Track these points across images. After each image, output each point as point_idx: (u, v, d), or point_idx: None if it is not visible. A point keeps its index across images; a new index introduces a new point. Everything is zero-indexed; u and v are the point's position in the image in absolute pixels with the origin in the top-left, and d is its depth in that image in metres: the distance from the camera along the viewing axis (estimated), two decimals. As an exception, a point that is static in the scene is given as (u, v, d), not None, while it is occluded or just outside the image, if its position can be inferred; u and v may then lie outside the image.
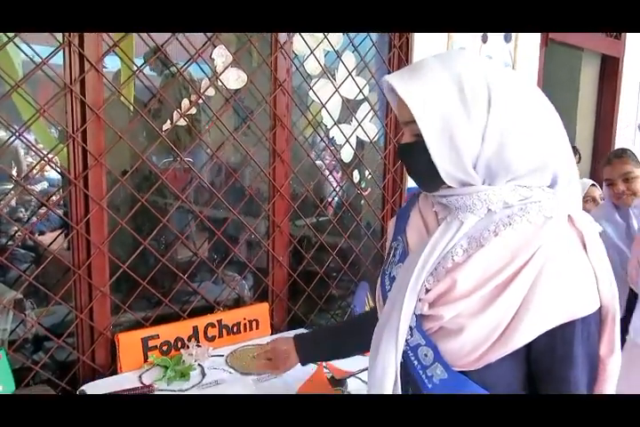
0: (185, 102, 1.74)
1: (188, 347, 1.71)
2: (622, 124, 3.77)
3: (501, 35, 2.68)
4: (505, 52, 2.75)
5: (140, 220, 1.99)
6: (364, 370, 1.55)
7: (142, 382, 1.55)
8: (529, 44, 2.83)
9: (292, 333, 1.95)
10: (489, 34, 2.58)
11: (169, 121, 1.72)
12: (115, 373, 1.63)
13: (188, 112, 1.74)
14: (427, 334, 0.87)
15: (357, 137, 2.22)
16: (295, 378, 1.58)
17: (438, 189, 0.88)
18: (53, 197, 1.88)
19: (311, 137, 2.14)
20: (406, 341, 0.88)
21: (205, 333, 1.80)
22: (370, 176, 2.31)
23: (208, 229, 2.02)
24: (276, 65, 1.90)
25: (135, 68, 1.65)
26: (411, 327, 0.88)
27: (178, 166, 1.85)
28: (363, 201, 2.34)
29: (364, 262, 2.31)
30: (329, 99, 2.05)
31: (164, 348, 1.70)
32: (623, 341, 1.78)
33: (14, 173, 3.02)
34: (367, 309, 1.95)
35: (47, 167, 1.52)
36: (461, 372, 0.85)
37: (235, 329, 1.86)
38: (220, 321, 1.83)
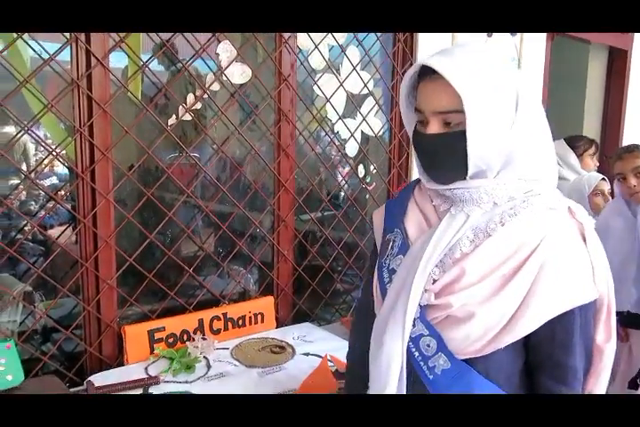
0: (190, 97, 1.76)
1: (193, 339, 1.73)
2: (630, 118, 3.75)
3: (507, 29, 2.66)
4: (511, 46, 2.74)
5: (146, 214, 2.02)
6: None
7: (148, 374, 1.58)
8: (535, 37, 2.81)
9: (297, 326, 1.98)
10: (495, 28, 2.57)
11: (174, 116, 1.73)
12: (121, 364, 1.65)
13: (194, 107, 1.76)
14: (431, 323, 0.88)
15: (362, 131, 2.22)
16: (299, 371, 1.60)
17: (454, 181, 0.88)
18: (61, 191, 1.91)
19: (316, 132, 2.15)
20: None
21: (211, 326, 1.81)
22: (375, 171, 2.31)
23: (213, 223, 2.04)
24: (280, 60, 1.91)
25: (142, 63, 1.66)
26: (413, 318, 0.88)
27: (184, 161, 1.86)
28: (368, 195, 2.35)
29: (368, 257, 2.31)
30: (333, 93, 2.06)
31: (170, 340, 1.72)
32: None
33: (23, 167, 3.05)
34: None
35: (56, 163, 1.54)
36: (466, 361, 0.86)
37: (240, 322, 1.88)
38: (225, 314, 1.85)
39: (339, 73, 2.08)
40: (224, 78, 1.81)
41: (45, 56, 1.46)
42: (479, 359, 0.86)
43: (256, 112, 1.88)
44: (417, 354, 0.89)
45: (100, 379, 1.51)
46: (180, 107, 1.74)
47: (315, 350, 1.75)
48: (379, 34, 2.15)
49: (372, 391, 0.95)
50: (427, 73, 0.84)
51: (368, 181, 2.32)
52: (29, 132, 1.46)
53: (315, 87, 2.04)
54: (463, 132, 0.82)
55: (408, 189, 1.01)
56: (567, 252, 0.84)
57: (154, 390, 1.48)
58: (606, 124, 3.81)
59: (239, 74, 1.84)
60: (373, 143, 2.30)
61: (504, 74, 0.83)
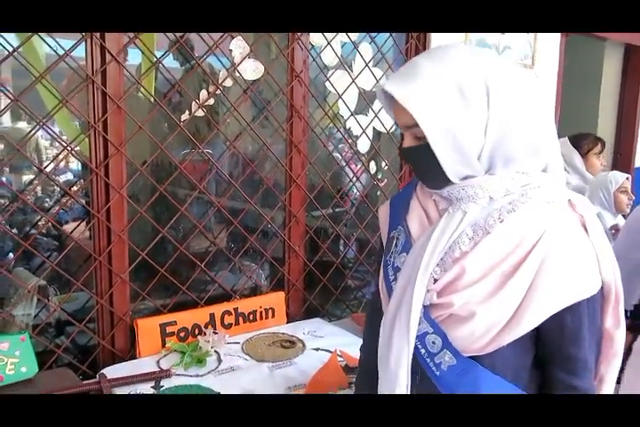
0: (203, 93, 1.77)
1: (204, 334, 1.75)
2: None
3: (521, 25, 2.65)
4: (524, 44, 2.72)
5: (158, 209, 2.03)
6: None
7: (160, 367, 1.59)
8: (549, 35, 2.79)
9: (307, 321, 1.99)
10: (508, 24, 2.55)
11: (187, 112, 1.75)
12: (134, 357, 1.67)
13: (206, 103, 1.77)
14: (435, 322, 0.88)
15: (374, 128, 2.22)
16: (310, 366, 1.60)
17: (444, 186, 0.88)
18: (75, 187, 1.93)
19: (328, 128, 2.15)
20: None
21: (222, 320, 1.83)
22: (386, 167, 2.31)
23: (225, 219, 2.05)
24: (293, 56, 1.91)
25: (155, 60, 1.67)
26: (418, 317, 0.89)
27: (196, 157, 1.88)
28: (379, 192, 2.35)
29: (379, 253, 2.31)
30: (345, 90, 2.06)
31: (182, 334, 1.74)
32: None
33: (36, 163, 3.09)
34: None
35: (70, 159, 1.56)
36: (471, 357, 0.86)
37: (251, 317, 1.89)
38: (236, 309, 1.86)
39: (351, 69, 2.08)
40: (237, 74, 1.82)
41: (61, 52, 1.48)
42: (485, 356, 0.86)
43: (268, 108, 1.89)
44: (423, 351, 0.90)
45: (113, 372, 1.53)
46: (193, 103, 1.75)
47: (325, 346, 1.76)
48: (391, 30, 2.15)
49: (382, 389, 0.95)
50: None
51: (379, 177, 2.32)
52: (44, 127, 1.48)
53: (327, 84, 2.05)
54: (429, 145, 0.82)
55: (411, 186, 1.01)
56: (568, 245, 0.84)
57: (165, 384, 1.50)
58: (621, 122, 3.77)
59: (252, 70, 1.84)
60: (385, 140, 2.29)
61: (462, 72, 0.81)
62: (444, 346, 0.87)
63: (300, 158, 2.00)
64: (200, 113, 1.77)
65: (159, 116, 1.83)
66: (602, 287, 0.86)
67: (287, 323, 1.97)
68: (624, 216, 2.40)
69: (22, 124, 3.99)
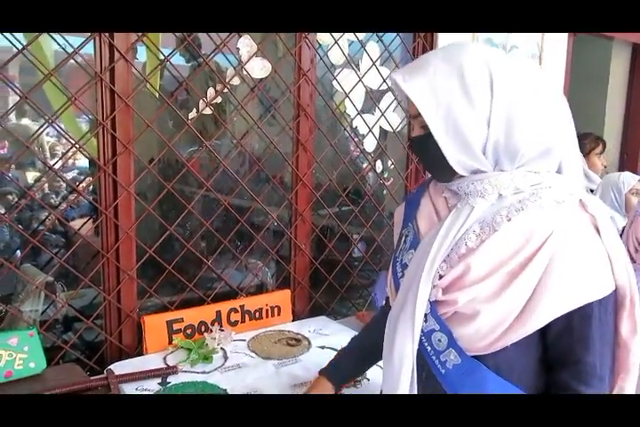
0: (211, 91, 1.78)
1: (211, 331, 1.75)
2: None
3: (529, 24, 2.64)
4: (532, 43, 2.71)
5: (165, 207, 2.04)
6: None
7: (167, 364, 1.60)
8: (556, 34, 2.78)
9: (313, 319, 1.99)
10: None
11: (195, 110, 1.75)
12: (140, 354, 1.68)
13: (214, 101, 1.77)
14: (442, 319, 0.88)
15: (380, 127, 2.22)
16: (315, 363, 1.60)
17: (452, 178, 0.89)
18: (83, 184, 1.94)
19: (334, 127, 2.15)
20: None
21: (228, 317, 1.84)
22: (392, 166, 2.32)
23: (232, 217, 2.06)
24: (300, 55, 1.92)
25: (162, 57, 1.68)
26: (425, 314, 0.89)
27: (203, 155, 1.88)
28: (385, 191, 2.35)
29: (385, 252, 2.32)
30: (352, 88, 2.06)
31: (188, 331, 1.75)
32: None
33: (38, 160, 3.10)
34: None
35: (77, 156, 1.57)
36: (476, 357, 0.86)
37: (257, 315, 1.90)
38: (242, 306, 1.87)
39: (358, 68, 2.09)
40: (244, 73, 1.82)
41: (69, 50, 1.48)
42: (489, 355, 0.86)
43: (275, 107, 1.89)
44: (429, 348, 0.90)
45: (120, 368, 1.54)
46: (201, 101, 1.76)
47: (330, 344, 1.76)
48: (399, 29, 2.15)
49: (385, 386, 0.96)
50: None
51: (386, 176, 2.32)
52: (53, 125, 1.49)
53: (334, 82, 2.05)
54: (432, 134, 0.84)
55: (424, 184, 1.02)
56: (577, 246, 0.82)
57: (172, 380, 1.51)
58: (629, 122, 3.76)
59: (259, 68, 1.85)
60: (391, 139, 2.29)
61: (467, 64, 0.83)
62: (450, 344, 0.87)
63: (306, 157, 2.01)
64: (207, 111, 1.77)
65: (165, 114, 1.83)
66: (615, 291, 0.84)
67: (293, 321, 1.98)
68: None
69: (26, 121, 4.00)
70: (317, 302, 2.13)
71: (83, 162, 3.74)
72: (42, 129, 1.51)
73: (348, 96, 2.06)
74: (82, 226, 1.91)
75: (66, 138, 1.53)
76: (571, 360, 0.85)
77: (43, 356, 1.45)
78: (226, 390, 1.47)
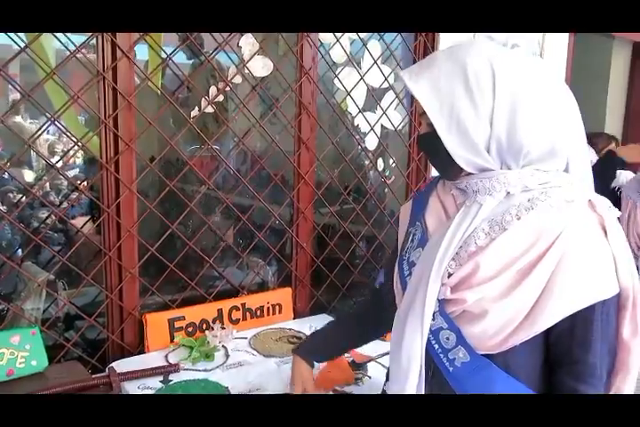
0: (212, 90, 1.78)
1: (212, 329, 1.76)
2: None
3: (530, 23, 2.64)
4: (533, 41, 2.71)
5: (167, 206, 2.04)
6: (383, 355, 1.58)
7: (168, 362, 1.60)
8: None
9: (314, 318, 1.99)
10: (517, 22, 2.55)
11: (197, 108, 1.75)
12: (142, 352, 1.68)
13: (216, 100, 1.77)
14: (450, 317, 0.88)
15: (382, 125, 2.22)
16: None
17: (459, 176, 0.89)
18: (84, 183, 1.94)
19: (336, 125, 2.16)
20: None
21: (230, 315, 1.84)
22: (394, 164, 2.32)
23: (233, 215, 2.06)
24: (301, 53, 1.92)
25: (164, 55, 1.68)
26: (433, 312, 0.88)
27: (205, 154, 1.88)
28: (387, 189, 2.35)
29: (387, 250, 2.32)
30: (354, 87, 2.06)
31: (190, 329, 1.75)
32: None
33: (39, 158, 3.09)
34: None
35: (78, 155, 1.57)
36: (485, 356, 0.86)
37: (258, 313, 1.90)
38: (244, 304, 1.87)
39: (360, 67, 2.09)
40: (246, 71, 1.82)
41: (71, 48, 1.48)
42: (498, 355, 0.86)
43: (277, 105, 1.89)
44: (437, 346, 0.89)
45: (122, 366, 1.54)
46: (202, 99, 1.76)
47: (332, 342, 1.76)
48: (400, 27, 2.15)
49: (392, 384, 0.96)
50: None
51: (387, 174, 2.33)
52: (55, 123, 1.49)
53: (335, 80, 2.05)
54: (437, 131, 0.85)
55: (432, 183, 1.02)
56: (586, 246, 0.82)
57: (174, 378, 1.51)
58: (629, 121, 3.76)
59: (261, 67, 1.85)
60: (393, 137, 2.29)
61: (470, 63, 0.83)
62: (459, 342, 0.87)
63: (308, 155, 2.01)
64: (209, 109, 1.77)
65: (167, 112, 1.83)
66: (619, 292, 0.84)
67: (294, 319, 1.98)
68: None
69: (20, 120, 3.99)
70: (319, 300, 2.13)
71: (82, 160, 3.74)
72: (44, 127, 1.51)
73: (349, 94, 2.06)
74: (84, 224, 1.91)
75: (68, 136, 1.53)
76: (572, 360, 0.85)
77: (44, 354, 1.45)
78: (227, 387, 1.47)
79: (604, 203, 0.87)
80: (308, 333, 1.84)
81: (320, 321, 1.95)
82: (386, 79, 2.15)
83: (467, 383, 0.88)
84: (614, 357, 0.87)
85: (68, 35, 1.50)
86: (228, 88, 1.79)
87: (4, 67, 1.38)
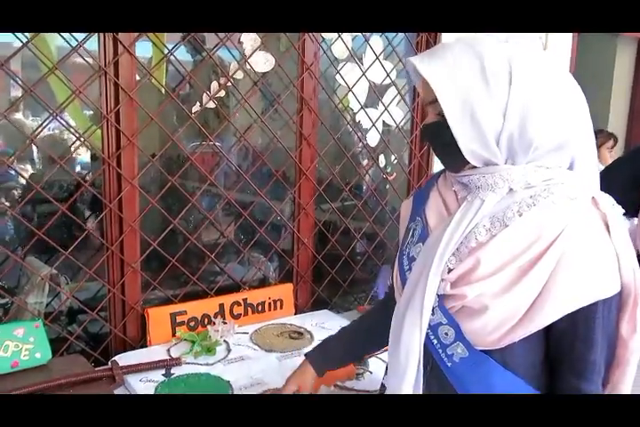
0: (214, 85, 1.78)
1: (214, 323, 1.76)
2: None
3: (532, 19, 2.64)
4: (536, 39, 2.71)
5: (169, 201, 2.05)
6: (385, 350, 1.58)
7: (170, 355, 1.61)
8: (561, 29, 2.77)
9: (315, 313, 2.00)
10: (520, 18, 2.55)
11: (198, 103, 1.76)
12: (144, 346, 1.69)
13: (217, 95, 1.78)
14: (449, 313, 0.88)
15: (384, 121, 2.23)
16: (317, 356, 1.62)
17: (462, 168, 0.88)
18: (87, 177, 1.95)
19: (337, 121, 2.16)
20: None
21: (231, 310, 1.85)
22: (396, 161, 2.32)
23: (234, 211, 2.07)
24: (303, 49, 1.92)
25: (166, 51, 1.68)
26: (432, 307, 0.89)
27: (206, 150, 1.89)
28: (388, 185, 2.36)
29: (388, 247, 2.33)
30: (355, 83, 2.06)
31: (192, 324, 1.76)
32: None
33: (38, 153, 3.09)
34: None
35: (79, 152, 1.58)
36: (484, 351, 0.86)
37: (259, 308, 1.91)
38: (245, 300, 1.88)
39: (361, 62, 2.09)
40: (247, 67, 1.83)
41: (73, 43, 1.49)
42: (496, 351, 0.86)
43: (278, 101, 1.90)
44: (435, 342, 0.90)
45: (124, 359, 1.55)
46: (204, 95, 1.76)
47: (333, 337, 1.77)
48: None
49: (390, 379, 0.96)
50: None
51: (389, 171, 2.33)
52: (57, 118, 1.49)
53: (337, 76, 2.05)
54: (447, 121, 0.83)
55: (433, 179, 1.01)
56: (588, 244, 0.82)
57: (176, 371, 1.52)
58: (633, 118, 3.75)
59: (263, 62, 1.85)
60: (395, 133, 2.30)
61: (487, 53, 0.82)
62: (457, 338, 0.87)
63: (309, 151, 2.01)
64: (210, 105, 1.78)
65: (168, 109, 1.84)
66: (620, 290, 0.84)
67: (295, 314, 1.99)
68: None
69: (19, 116, 3.98)
70: (320, 295, 2.13)
71: (83, 156, 3.75)
72: (47, 122, 1.52)
73: (351, 90, 2.06)
74: (86, 219, 1.92)
75: (70, 131, 1.54)
76: (573, 358, 0.85)
77: (48, 347, 1.47)
78: (229, 381, 1.48)
79: (607, 200, 0.86)
80: (309, 328, 1.85)
81: (321, 317, 1.96)
82: (388, 75, 2.15)
83: (465, 379, 0.88)
84: (613, 352, 0.87)
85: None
86: (229, 84, 1.79)
87: (6, 62, 1.38)
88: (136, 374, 1.48)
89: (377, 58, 2.10)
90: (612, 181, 1.40)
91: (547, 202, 0.84)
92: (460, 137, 0.83)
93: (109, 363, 1.50)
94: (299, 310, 2.03)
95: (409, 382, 0.91)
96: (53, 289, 1.78)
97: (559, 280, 0.81)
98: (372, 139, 2.21)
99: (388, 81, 2.18)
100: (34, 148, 2.63)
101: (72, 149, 1.61)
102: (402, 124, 2.26)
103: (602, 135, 2.69)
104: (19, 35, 1.41)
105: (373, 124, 2.17)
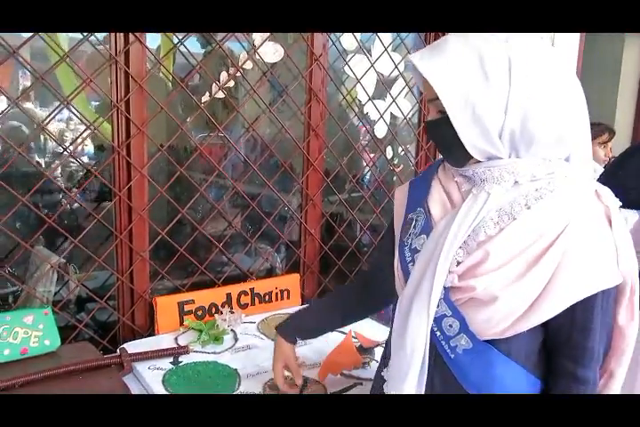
0: (223, 75, 1.78)
1: (221, 313, 1.77)
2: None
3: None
4: (543, 35, 2.70)
5: (177, 191, 2.06)
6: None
7: (178, 344, 1.62)
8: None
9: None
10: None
11: (207, 93, 1.76)
12: (152, 334, 1.70)
13: (226, 85, 1.78)
14: (455, 305, 0.88)
15: (391, 113, 2.23)
16: (324, 346, 1.62)
17: (466, 163, 0.89)
18: (95, 167, 1.95)
19: (345, 113, 2.16)
20: None
21: (238, 300, 1.86)
22: (403, 153, 2.32)
23: (240, 203, 2.07)
24: (312, 40, 1.92)
25: (176, 40, 1.68)
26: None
27: (214, 141, 1.89)
28: (395, 177, 2.36)
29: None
30: (364, 74, 2.06)
31: (199, 313, 1.77)
32: None
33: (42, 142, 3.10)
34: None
35: (86, 143, 1.58)
36: (488, 342, 0.87)
37: (266, 298, 1.92)
38: (252, 289, 1.89)
39: (370, 54, 2.09)
40: (256, 57, 1.83)
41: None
42: (501, 341, 0.87)
43: (287, 91, 1.90)
44: (439, 333, 0.91)
45: (132, 347, 1.56)
46: (213, 85, 1.76)
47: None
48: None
49: (394, 370, 0.97)
50: None
51: (396, 162, 2.33)
52: (68, 106, 1.50)
53: (345, 68, 2.05)
54: (449, 117, 0.83)
55: (432, 168, 1.01)
56: (591, 237, 0.84)
57: (184, 360, 1.53)
58: (639, 114, 3.74)
59: (272, 53, 1.85)
60: (402, 125, 2.30)
61: (486, 48, 0.82)
62: (462, 330, 0.88)
63: (317, 142, 2.01)
64: (219, 95, 1.78)
65: (175, 100, 1.84)
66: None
67: (302, 304, 1.99)
68: None
69: (30, 105, 3.99)
70: (326, 286, 2.14)
71: (90, 146, 3.75)
72: (57, 111, 1.52)
73: (359, 82, 2.06)
74: (95, 208, 1.93)
75: (81, 120, 1.54)
76: (572, 346, 0.87)
77: (57, 334, 1.47)
78: (236, 369, 1.49)
79: (609, 193, 0.88)
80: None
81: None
82: (396, 67, 2.15)
83: (468, 370, 0.90)
84: (610, 340, 0.90)
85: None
86: (238, 74, 1.79)
87: (17, 50, 1.39)
88: (144, 362, 1.49)
89: (385, 50, 2.10)
90: (627, 168, 1.41)
91: (552, 195, 0.85)
92: (463, 133, 0.84)
93: (118, 351, 1.51)
94: (305, 300, 2.03)
95: (414, 374, 0.91)
96: (61, 278, 1.79)
97: (565, 272, 0.82)
98: (380, 130, 2.21)
99: (396, 73, 2.18)
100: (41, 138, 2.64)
101: (82, 137, 1.60)
102: (409, 116, 2.26)
103: (596, 129, 2.56)
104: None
105: (381, 116, 2.17)
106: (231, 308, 1.82)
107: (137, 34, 1.56)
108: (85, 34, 1.49)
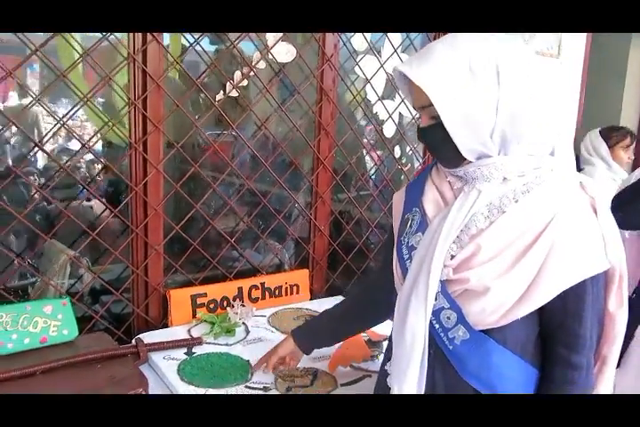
0: (237, 74, 1.82)
1: (232, 306, 1.82)
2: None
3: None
4: (550, 36, 2.72)
5: (190, 187, 2.10)
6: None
7: (191, 335, 1.67)
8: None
9: (331, 299, 2.04)
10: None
11: (222, 92, 1.80)
12: (166, 326, 1.74)
13: (240, 84, 1.82)
14: (452, 297, 0.93)
15: (400, 113, 2.26)
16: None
17: (460, 164, 0.93)
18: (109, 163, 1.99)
19: (355, 112, 2.20)
20: None
21: (249, 294, 1.90)
22: (411, 152, 2.36)
23: (249, 201, 2.11)
24: (324, 40, 1.95)
25: (186, 40, 1.72)
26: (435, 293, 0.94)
27: (227, 139, 1.93)
28: (403, 176, 2.40)
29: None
30: (374, 75, 2.10)
31: (211, 306, 1.81)
32: None
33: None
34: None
35: (93, 140, 1.62)
36: (484, 331, 0.92)
37: (277, 292, 1.96)
38: (263, 284, 1.93)
39: (380, 55, 2.12)
40: (269, 57, 1.87)
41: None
42: (496, 329, 0.91)
43: (299, 90, 1.94)
44: (437, 326, 0.95)
45: (147, 338, 1.60)
46: (227, 83, 1.80)
47: (348, 322, 1.81)
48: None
49: (395, 364, 1.00)
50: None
51: (404, 161, 2.37)
52: (88, 103, 1.54)
53: (356, 68, 2.09)
54: (442, 123, 0.86)
55: (426, 171, 1.06)
56: (578, 226, 0.88)
57: (197, 351, 1.57)
58: (645, 116, 3.75)
59: (284, 53, 1.89)
60: (411, 125, 2.33)
61: (473, 52, 0.85)
62: (459, 321, 0.92)
63: (327, 141, 2.05)
64: (232, 94, 1.82)
65: (191, 98, 1.88)
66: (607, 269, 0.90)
67: (311, 300, 2.04)
68: None
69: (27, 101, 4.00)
70: (334, 282, 2.18)
71: (100, 144, 3.78)
72: (77, 107, 1.57)
73: (369, 82, 2.10)
74: (110, 202, 1.96)
75: (99, 116, 1.59)
76: (565, 333, 0.92)
77: (75, 324, 1.52)
78: (248, 360, 1.53)
79: (593, 185, 0.93)
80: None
81: (336, 302, 2.00)
82: (404, 67, 2.18)
83: (466, 359, 0.94)
84: (602, 327, 0.94)
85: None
86: (252, 73, 1.83)
87: (40, 48, 1.43)
88: (160, 352, 1.53)
89: (395, 51, 2.13)
90: None
91: (539, 188, 0.90)
92: (458, 137, 0.87)
93: (134, 341, 1.55)
94: (314, 295, 2.07)
95: (414, 367, 0.95)
96: (74, 271, 1.83)
97: (553, 261, 0.87)
98: (388, 130, 2.24)
99: (405, 73, 2.20)
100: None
101: (100, 133, 1.65)
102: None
103: (618, 133, 2.62)
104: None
105: (390, 116, 2.21)
106: (242, 301, 1.86)
107: (155, 34, 1.60)
108: (104, 33, 1.53)
